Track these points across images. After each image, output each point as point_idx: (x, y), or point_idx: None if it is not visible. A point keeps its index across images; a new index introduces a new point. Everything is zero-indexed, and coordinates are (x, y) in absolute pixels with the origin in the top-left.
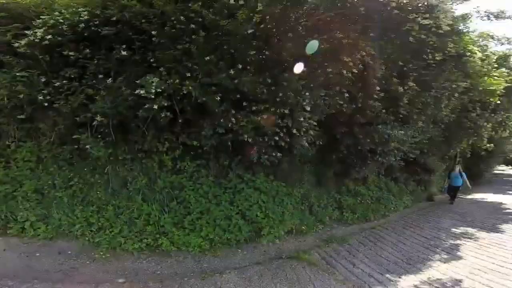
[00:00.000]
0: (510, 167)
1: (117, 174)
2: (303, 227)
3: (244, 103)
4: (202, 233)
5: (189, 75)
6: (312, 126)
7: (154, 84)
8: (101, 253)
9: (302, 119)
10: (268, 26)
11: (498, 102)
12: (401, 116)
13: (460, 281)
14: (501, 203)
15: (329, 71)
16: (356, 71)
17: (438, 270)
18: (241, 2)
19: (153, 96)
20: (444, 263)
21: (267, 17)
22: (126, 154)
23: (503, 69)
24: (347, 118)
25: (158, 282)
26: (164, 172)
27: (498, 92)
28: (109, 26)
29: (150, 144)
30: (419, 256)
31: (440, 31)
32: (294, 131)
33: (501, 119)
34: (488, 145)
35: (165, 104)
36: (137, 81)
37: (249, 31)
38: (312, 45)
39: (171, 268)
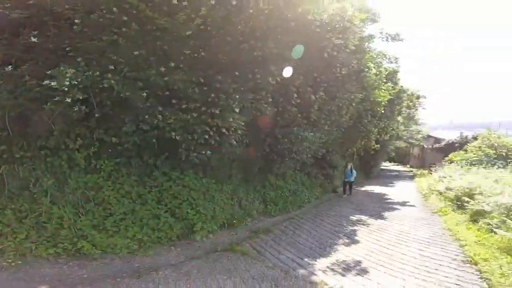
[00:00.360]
0: (391, 163)
1: (15, 174)
2: (234, 221)
3: (174, 101)
4: (129, 234)
5: (113, 68)
6: (240, 126)
7: (68, 75)
8: (9, 261)
9: (231, 119)
10: (208, 29)
11: (383, 111)
12: (312, 120)
13: (360, 262)
14: (384, 194)
15: (258, 77)
16: (279, 79)
17: (343, 253)
18: (185, 3)
19: (66, 89)
20: (347, 246)
21: (209, 19)
22: (25, 152)
23: (390, 84)
24: (270, 120)
25: (88, 285)
26: (75, 172)
27: (383, 103)
28: (21, 10)
29: (57, 140)
30: (327, 241)
31: (348, 50)
32: (224, 130)
33: (384, 125)
34: (375, 145)
35: (80, 97)
36: (48, 71)
37: (188, 33)
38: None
39: (98, 270)
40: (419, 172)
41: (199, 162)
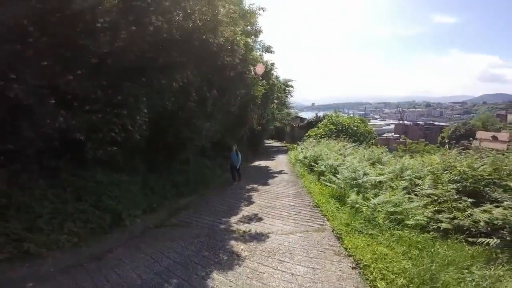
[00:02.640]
0: (273, 140)
1: None
2: (154, 205)
3: (75, 103)
4: (65, 230)
5: (15, 77)
6: (145, 121)
7: None
8: None
9: (138, 117)
10: (121, 44)
11: (260, 102)
12: (208, 112)
13: (256, 214)
14: (267, 166)
15: (164, 83)
16: (182, 84)
17: (245, 210)
18: (105, 25)
19: None
20: (247, 206)
21: (123, 34)
22: None
23: (264, 81)
24: (172, 115)
25: (53, 279)
26: None
27: (260, 95)
28: None
29: None
30: (234, 205)
31: (236, 60)
32: (129, 127)
33: (261, 112)
34: (258, 127)
35: None
36: None
37: (106, 50)
38: None
39: (56, 265)
40: (291, 146)
41: (106, 158)
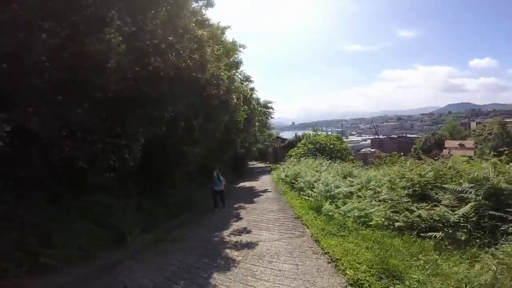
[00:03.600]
0: (257, 161)
1: None
2: (150, 225)
3: (79, 134)
4: (76, 245)
5: (33, 110)
6: (139, 150)
7: None
8: None
9: (135, 147)
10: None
11: (242, 126)
12: (195, 139)
13: (245, 227)
14: (253, 187)
15: (157, 114)
16: (172, 114)
17: (235, 225)
18: (114, 65)
19: None
20: (236, 222)
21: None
22: None
23: (246, 107)
24: (161, 141)
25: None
26: None
27: (242, 121)
28: None
29: None
30: (224, 222)
31: (221, 91)
32: (126, 155)
33: (244, 136)
34: (242, 150)
35: None
36: None
37: (112, 88)
38: None
39: (73, 276)
40: (274, 166)
41: (103, 183)
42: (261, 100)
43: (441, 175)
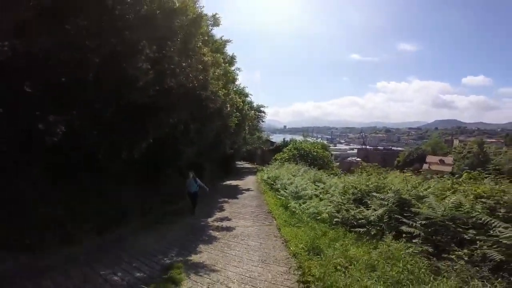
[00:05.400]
0: (245, 162)
1: None
2: (150, 208)
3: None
4: (93, 220)
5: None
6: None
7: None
8: None
9: (144, 144)
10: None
11: (233, 131)
12: (192, 139)
13: (227, 216)
14: (237, 185)
15: (163, 119)
16: (176, 120)
17: (218, 215)
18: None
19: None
20: (219, 212)
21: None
22: None
23: (238, 113)
24: (162, 140)
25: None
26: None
27: (233, 126)
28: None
29: None
30: (209, 212)
31: (217, 105)
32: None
33: (233, 139)
34: (231, 151)
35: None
36: None
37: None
38: None
39: (100, 241)
40: (260, 168)
41: (113, 172)
42: (254, 104)
43: (378, 186)
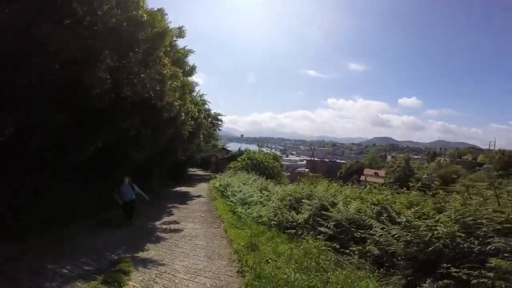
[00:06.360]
0: (199, 169)
1: None
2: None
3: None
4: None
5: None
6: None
7: None
8: None
9: (91, 148)
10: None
11: (186, 138)
12: (142, 146)
13: (175, 220)
14: (188, 192)
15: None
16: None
17: (166, 218)
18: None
19: None
20: (168, 216)
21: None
22: None
23: (193, 122)
24: (111, 145)
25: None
26: None
27: (187, 134)
28: None
29: None
30: (157, 216)
31: (172, 114)
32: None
33: (186, 147)
34: (183, 157)
35: None
36: None
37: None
38: None
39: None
40: (213, 176)
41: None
42: (212, 112)
43: (308, 194)
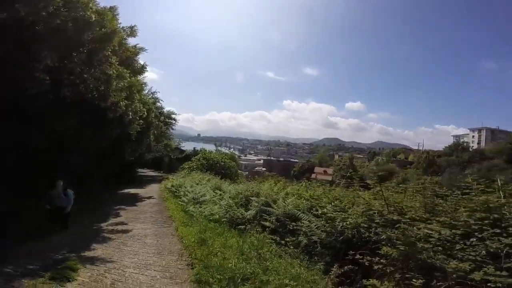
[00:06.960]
0: (150, 169)
1: None
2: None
3: None
4: None
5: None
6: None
7: None
8: None
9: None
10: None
11: (134, 138)
12: (83, 148)
13: (122, 221)
14: (138, 193)
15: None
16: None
17: (113, 220)
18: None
19: None
20: (114, 218)
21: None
22: None
23: (141, 121)
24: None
25: None
26: None
27: (135, 133)
28: None
29: None
30: (102, 218)
31: (117, 114)
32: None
33: (135, 147)
34: (131, 158)
35: None
36: None
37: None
38: None
39: None
40: (166, 177)
41: None
42: (165, 110)
43: (256, 192)
